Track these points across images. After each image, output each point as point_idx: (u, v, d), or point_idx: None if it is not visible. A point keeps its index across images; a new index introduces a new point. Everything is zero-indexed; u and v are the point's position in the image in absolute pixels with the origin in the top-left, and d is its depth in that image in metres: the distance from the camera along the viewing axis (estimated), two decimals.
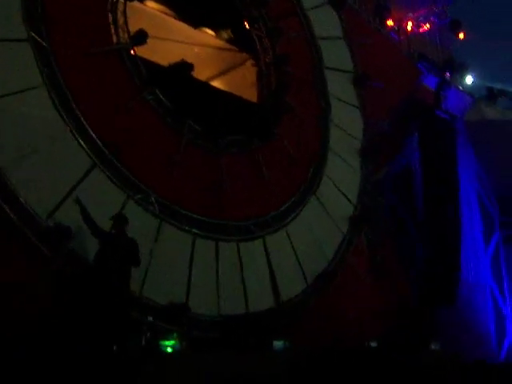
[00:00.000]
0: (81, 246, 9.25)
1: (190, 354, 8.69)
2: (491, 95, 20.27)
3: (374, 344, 11.72)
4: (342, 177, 14.53)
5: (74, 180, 9.55)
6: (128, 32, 11.15)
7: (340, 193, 14.35)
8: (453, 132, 18.04)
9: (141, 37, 11.03)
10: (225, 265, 11.31)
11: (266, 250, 12.21)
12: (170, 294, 10.26)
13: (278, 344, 10.03)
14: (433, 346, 12.84)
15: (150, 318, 9.54)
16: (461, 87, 19.71)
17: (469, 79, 20.04)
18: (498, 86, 20.70)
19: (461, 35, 19.69)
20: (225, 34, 15.00)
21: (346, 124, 15.06)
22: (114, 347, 8.16)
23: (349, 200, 14.50)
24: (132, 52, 11.20)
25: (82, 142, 9.84)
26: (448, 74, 18.71)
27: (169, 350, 8.77)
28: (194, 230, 11.11)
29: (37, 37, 9.68)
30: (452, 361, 11.54)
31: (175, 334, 8.92)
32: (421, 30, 19.41)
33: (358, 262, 13.88)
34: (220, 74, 15.16)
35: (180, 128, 11.52)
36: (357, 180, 14.91)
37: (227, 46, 14.93)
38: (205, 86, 13.34)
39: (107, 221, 9.19)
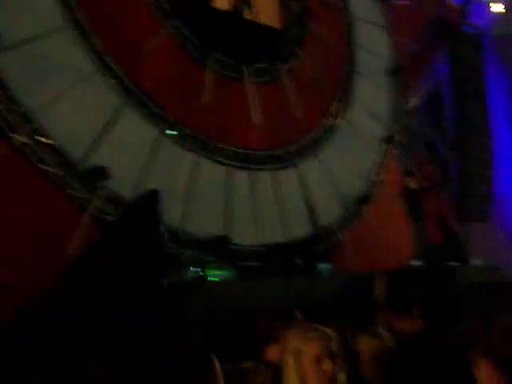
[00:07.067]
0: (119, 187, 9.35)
1: (237, 281, 8.80)
2: None
3: (415, 263, 11.68)
4: (371, 98, 14.25)
5: (106, 120, 9.54)
6: None
7: (370, 115, 14.11)
8: (481, 46, 17.54)
9: None
10: (260, 194, 11.35)
11: (299, 177, 12.21)
12: (208, 226, 10.39)
13: (323, 267, 10.08)
14: (472, 262, 12.75)
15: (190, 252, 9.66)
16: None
17: None
18: None
19: None
20: None
21: (372, 44, 14.66)
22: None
23: (380, 122, 14.27)
24: None
25: (110, 81, 9.78)
26: None
27: (215, 279, 8.91)
28: (227, 162, 11.14)
29: None
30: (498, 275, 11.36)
31: (220, 264, 9.02)
32: None
33: (391, 185, 13.80)
34: None
35: (205, 60, 11.37)
36: (386, 101, 14.63)
37: None
38: (227, 14, 13.01)
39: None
